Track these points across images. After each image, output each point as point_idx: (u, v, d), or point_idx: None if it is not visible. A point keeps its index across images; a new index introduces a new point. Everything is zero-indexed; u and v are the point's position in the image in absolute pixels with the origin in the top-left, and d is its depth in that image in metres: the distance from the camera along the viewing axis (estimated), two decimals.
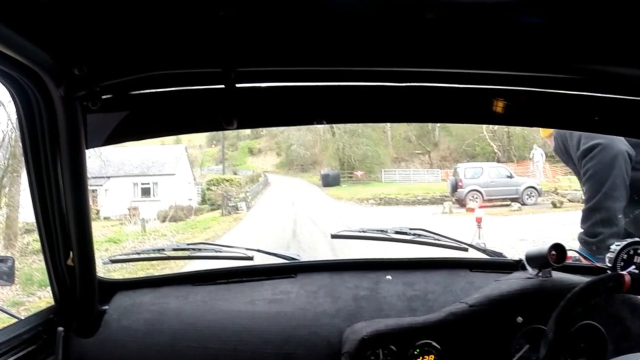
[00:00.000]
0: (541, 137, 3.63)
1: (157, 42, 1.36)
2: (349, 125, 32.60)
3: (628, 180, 2.94)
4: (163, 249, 2.28)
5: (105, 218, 21.70)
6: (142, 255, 2.34)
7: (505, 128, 30.42)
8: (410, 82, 1.62)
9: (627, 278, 1.39)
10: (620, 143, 2.94)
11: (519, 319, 1.70)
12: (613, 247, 1.91)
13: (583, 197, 3.15)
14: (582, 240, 3.01)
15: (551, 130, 3.35)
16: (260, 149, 47.98)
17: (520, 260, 1.99)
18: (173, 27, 1.29)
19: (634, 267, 1.88)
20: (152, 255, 2.38)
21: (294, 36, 1.36)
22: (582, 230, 3.05)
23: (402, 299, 1.90)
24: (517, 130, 30.43)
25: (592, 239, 2.95)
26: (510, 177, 22.54)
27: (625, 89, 1.57)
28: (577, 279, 1.75)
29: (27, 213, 13.35)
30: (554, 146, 3.40)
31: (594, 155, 2.97)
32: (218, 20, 1.23)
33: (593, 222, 2.97)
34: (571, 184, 19.34)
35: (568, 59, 1.42)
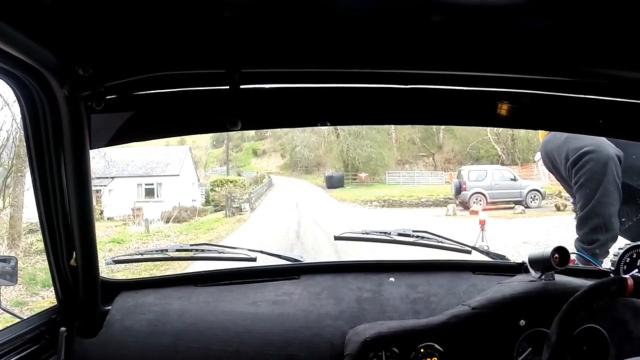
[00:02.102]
0: None
1: (161, 43, 1.37)
2: (353, 127, 32.61)
3: (620, 183, 2.93)
4: (166, 250, 2.29)
5: (108, 218, 21.72)
6: (145, 256, 2.34)
7: (509, 131, 30.47)
8: (414, 84, 1.62)
9: (630, 281, 1.39)
10: (610, 147, 2.92)
11: (522, 322, 1.69)
12: (616, 250, 1.91)
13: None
14: (578, 247, 2.99)
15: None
16: (265, 151, 48.02)
17: (523, 263, 1.98)
18: (178, 28, 1.30)
19: (636, 270, 1.87)
20: (156, 255, 2.38)
21: (299, 38, 1.37)
22: (578, 237, 3.04)
23: (405, 301, 1.89)
24: (521, 133, 30.47)
25: (589, 245, 2.94)
26: (514, 180, 22.53)
27: (628, 92, 1.57)
28: (580, 282, 1.75)
29: (31, 213, 13.35)
30: (542, 161, 3.40)
31: (585, 163, 2.95)
32: (222, 22, 1.24)
33: (589, 229, 2.96)
34: None
35: (572, 62, 1.42)
